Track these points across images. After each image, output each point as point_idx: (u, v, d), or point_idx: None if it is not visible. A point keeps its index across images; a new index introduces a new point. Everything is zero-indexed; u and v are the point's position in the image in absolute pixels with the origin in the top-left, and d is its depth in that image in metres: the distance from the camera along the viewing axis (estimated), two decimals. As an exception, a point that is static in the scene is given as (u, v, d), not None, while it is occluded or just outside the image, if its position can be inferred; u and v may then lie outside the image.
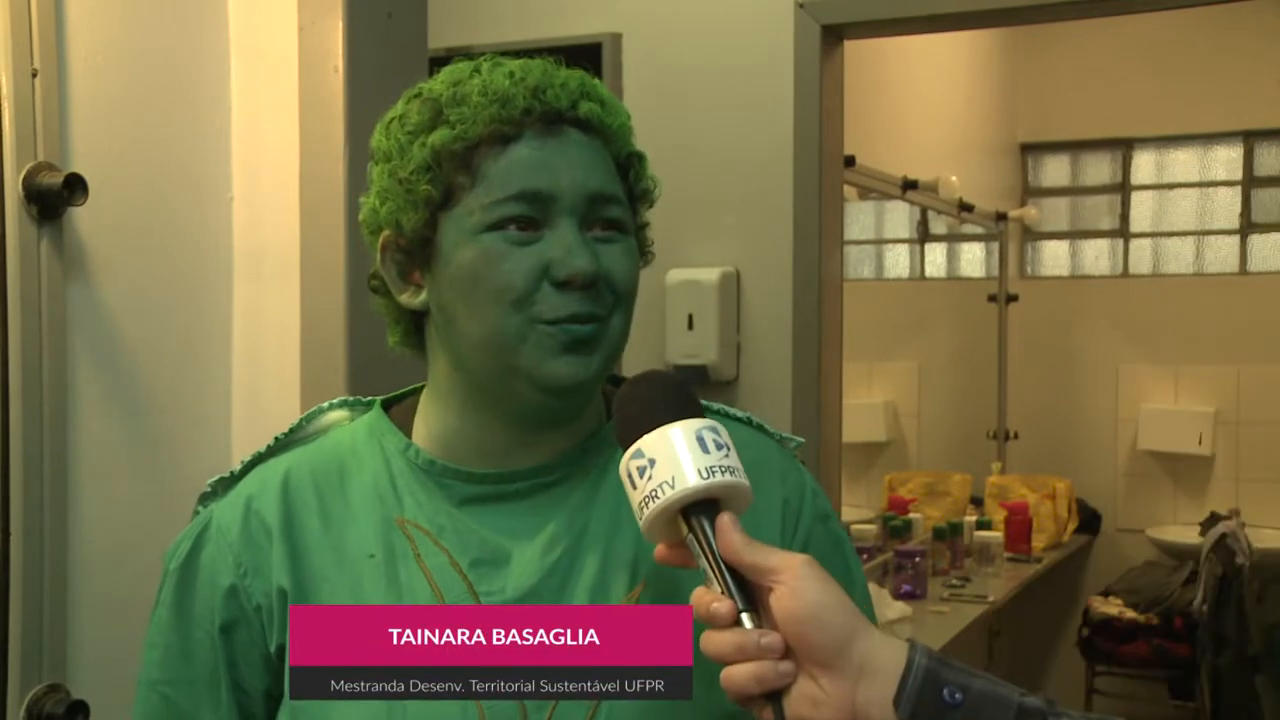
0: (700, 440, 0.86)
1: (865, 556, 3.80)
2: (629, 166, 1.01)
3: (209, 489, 1.07)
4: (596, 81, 1.00)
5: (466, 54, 1.01)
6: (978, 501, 4.84)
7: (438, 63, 1.89)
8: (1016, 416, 5.33)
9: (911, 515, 4.33)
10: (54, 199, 1.47)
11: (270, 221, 1.74)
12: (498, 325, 0.94)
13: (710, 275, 3.02)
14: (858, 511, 4.28)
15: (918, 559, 3.95)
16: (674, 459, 0.85)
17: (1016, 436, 5.31)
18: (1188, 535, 5.04)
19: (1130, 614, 4.58)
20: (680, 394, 0.90)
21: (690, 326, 3.05)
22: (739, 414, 1.10)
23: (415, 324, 1.03)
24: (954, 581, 4.13)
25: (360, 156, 1.69)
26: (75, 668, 1.53)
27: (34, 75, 1.47)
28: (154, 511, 1.65)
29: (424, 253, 0.98)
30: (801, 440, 1.14)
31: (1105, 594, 4.79)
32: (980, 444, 5.24)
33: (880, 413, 4.78)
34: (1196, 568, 4.65)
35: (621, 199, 0.99)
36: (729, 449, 0.87)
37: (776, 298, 3.04)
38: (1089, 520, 5.29)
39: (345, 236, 1.69)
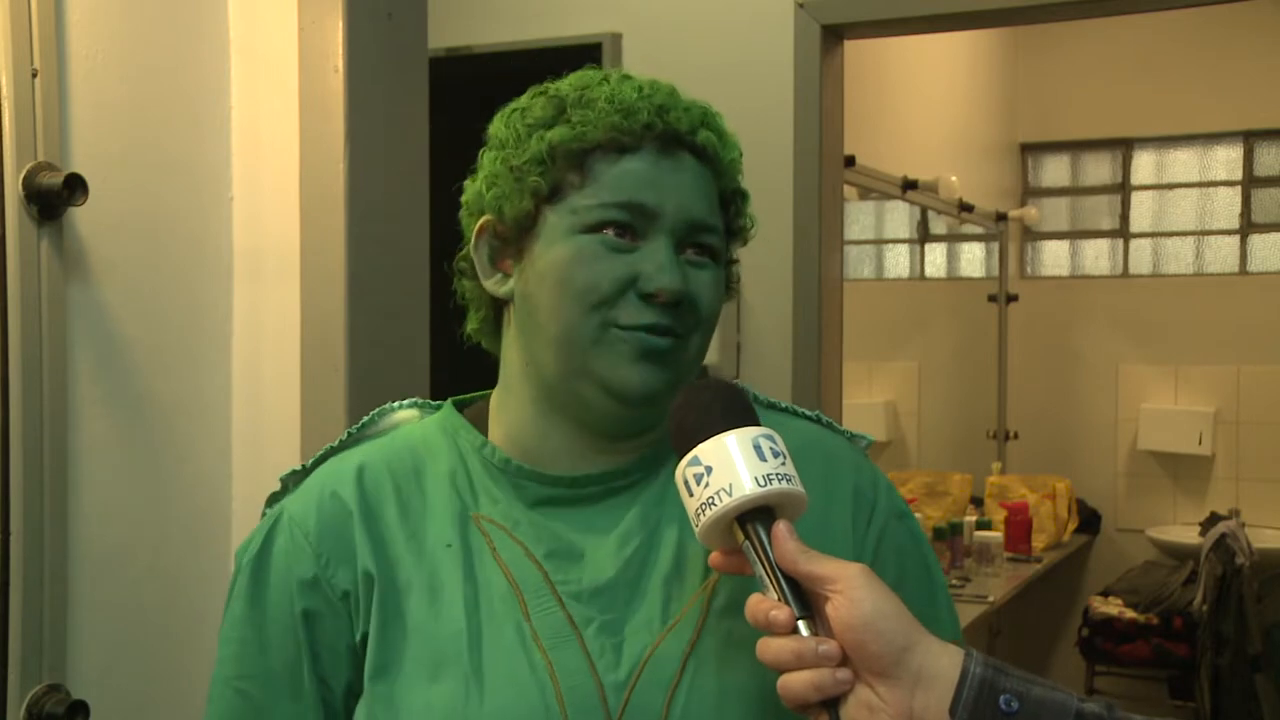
0: (757, 448, 0.86)
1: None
2: (730, 202, 1.03)
3: (279, 486, 1.06)
4: (718, 114, 1.02)
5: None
6: (978, 501, 4.83)
7: (438, 63, 1.89)
8: (1016, 416, 5.33)
9: (912, 515, 4.33)
10: (54, 199, 1.47)
11: (270, 221, 1.74)
12: (575, 324, 0.95)
13: (710, 275, 3.01)
14: (858, 511, 4.27)
15: (918, 559, 3.95)
16: (730, 466, 0.85)
17: (1016, 436, 5.31)
18: (1188, 535, 5.04)
19: (1130, 614, 4.58)
20: (736, 401, 0.90)
21: (690, 326, 3.04)
22: (807, 412, 1.10)
23: (495, 312, 1.04)
24: (954, 581, 4.13)
25: (360, 156, 1.69)
26: (75, 668, 1.53)
27: (34, 75, 1.47)
28: (154, 511, 1.65)
29: (519, 242, 0.99)
30: (872, 439, 1.14)
31: (1105, 594, 4.79)
32: (980, 444, 5.24)
33: (880, 413, 4.78)
34: (1196, 568, 4.65)
35: (719, 230, 1.01)
36: (785, 457, 0.87)
37: (776, 298, 3.04)
38: (1089, 520, 5.29)
39: (345, 236, 1.69)
